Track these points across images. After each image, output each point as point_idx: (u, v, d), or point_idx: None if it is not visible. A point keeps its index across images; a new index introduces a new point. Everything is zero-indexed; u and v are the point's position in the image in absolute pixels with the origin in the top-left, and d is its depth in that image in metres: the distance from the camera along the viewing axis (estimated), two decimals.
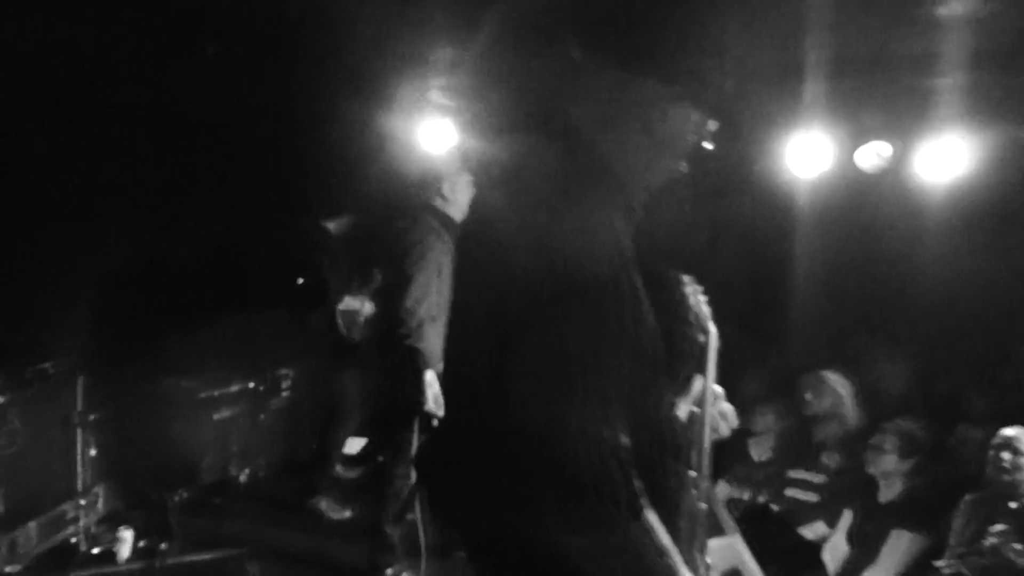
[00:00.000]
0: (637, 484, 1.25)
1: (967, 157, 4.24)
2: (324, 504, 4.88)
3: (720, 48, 1.53)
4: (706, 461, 1.50)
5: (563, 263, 1.28)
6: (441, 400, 3.81)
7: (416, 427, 3.87)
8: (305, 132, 5.74)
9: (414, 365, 3.79)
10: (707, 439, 1.50)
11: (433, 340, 3.77)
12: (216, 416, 5.07)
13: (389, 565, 4.00)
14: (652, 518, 1.26)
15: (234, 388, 5.23)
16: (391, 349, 3.90)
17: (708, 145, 1.57)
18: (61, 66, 4.24)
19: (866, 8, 3.91)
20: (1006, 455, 3.48)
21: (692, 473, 1.60)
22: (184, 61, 4.58)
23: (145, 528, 4.36)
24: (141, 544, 4.26)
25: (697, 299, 1.62)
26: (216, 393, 5.09)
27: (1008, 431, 3.56)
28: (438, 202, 3.92)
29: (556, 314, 1.26)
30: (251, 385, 5.37)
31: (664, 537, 1.26)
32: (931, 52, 3.92)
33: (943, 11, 3.87)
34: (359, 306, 4.92)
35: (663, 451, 1.45)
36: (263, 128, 5.71)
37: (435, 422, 3.85)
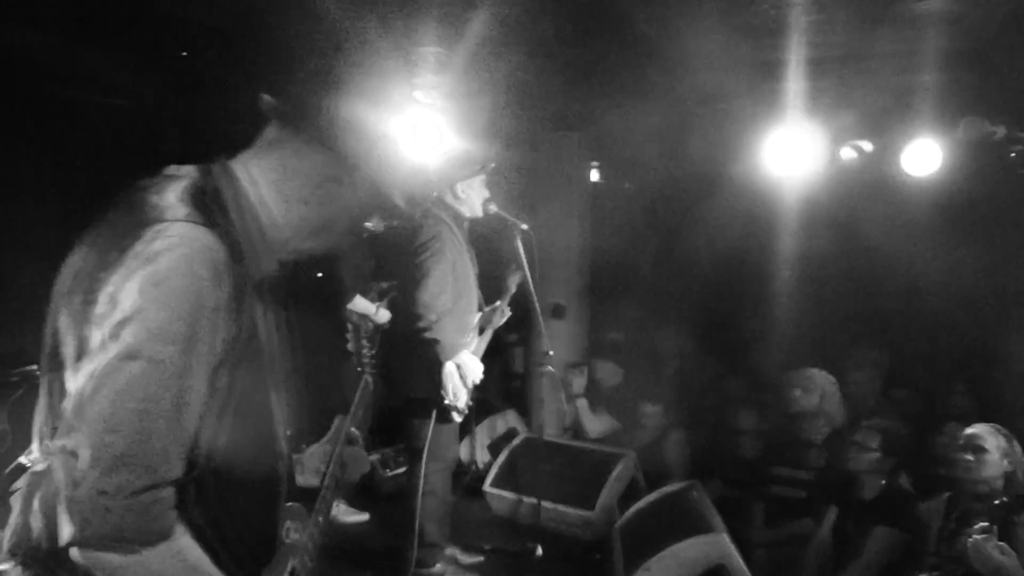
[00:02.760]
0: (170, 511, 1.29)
1: (942, 154, 4.27)
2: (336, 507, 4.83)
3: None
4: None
5: None
6: (460, 391, 3.81)
7: (432, 420, 3.83)
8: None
9: (433, 357, 3.78)
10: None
11: (451, 332, 3.80)
12: None
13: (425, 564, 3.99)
14: (183, 539, 1.32)
15: None
16: (405, 343, 3.85)
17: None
18: None
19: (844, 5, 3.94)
20: (968, 455, 3.43)
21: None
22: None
23: None
24: None
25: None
26: None
27: (970, 429, 3.52)
28: (449, 199, 3.92)
29: None
30: None
31: (194, 552, 1.33)
32: (909, 50, 3.95)
33: (922, 8, 3.91)
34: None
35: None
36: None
37: (454, 414, 3.88)
